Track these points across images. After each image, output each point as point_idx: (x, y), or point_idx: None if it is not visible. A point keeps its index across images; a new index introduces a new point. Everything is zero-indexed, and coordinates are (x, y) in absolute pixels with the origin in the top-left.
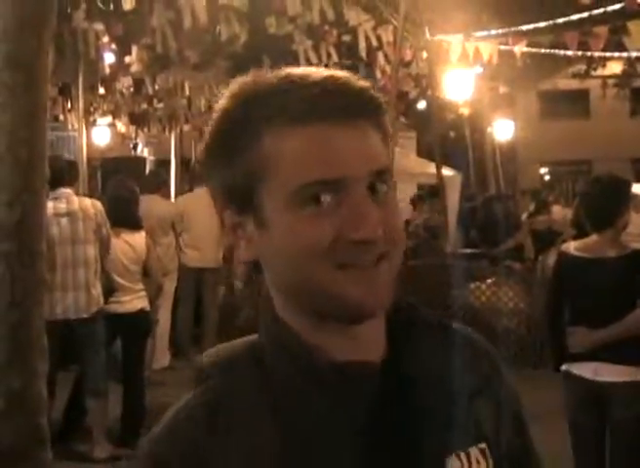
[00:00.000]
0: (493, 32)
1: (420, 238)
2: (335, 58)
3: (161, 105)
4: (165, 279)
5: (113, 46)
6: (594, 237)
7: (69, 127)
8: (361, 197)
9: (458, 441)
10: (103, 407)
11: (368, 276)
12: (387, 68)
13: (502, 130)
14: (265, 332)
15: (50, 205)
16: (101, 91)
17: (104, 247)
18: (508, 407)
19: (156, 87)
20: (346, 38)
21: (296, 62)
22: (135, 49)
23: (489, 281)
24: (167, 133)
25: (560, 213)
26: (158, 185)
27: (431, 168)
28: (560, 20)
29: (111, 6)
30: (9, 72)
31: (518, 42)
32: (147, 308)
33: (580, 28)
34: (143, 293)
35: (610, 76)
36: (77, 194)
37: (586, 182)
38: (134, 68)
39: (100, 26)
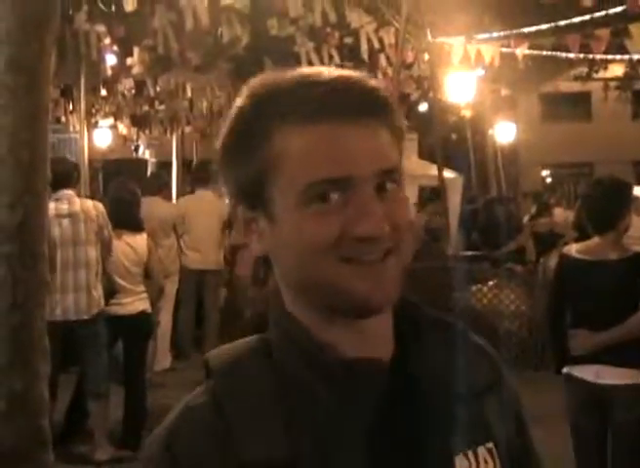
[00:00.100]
0: (494, 34)
1: (422, 240)
2: (336, 60)
3: (163, 107)
4: (166, 281)
5: (115, 48)
6: (596, 239)
7: (71, 129)
8: (368, 196)
9: (466, 440)
10: (105, 408)
11: (374, 271)
12: (389, 70)
13: (504, 132)
14: (275, 328)
15: (51, 206)
16: (103, 93)
17: (106, 249)
18: (511, 407)
19: (158, 89)
20: (348, 40)
21: (297, 64)
22: (136, 51)
23: (490, 283)
24: (168, 134)
25: (562, 215)
26: (159, 187)
27: (433, 170)
28: (562, 23)
29: (113, 8)
30: (11, 74)
31: (520, 44)
32: (149, 310)
33: (582, 31)
34: (145, 295)
35: (612, 79)
36: (79, 196)
37: (588, 185)
38: (135, 70)
39: (101, 28)
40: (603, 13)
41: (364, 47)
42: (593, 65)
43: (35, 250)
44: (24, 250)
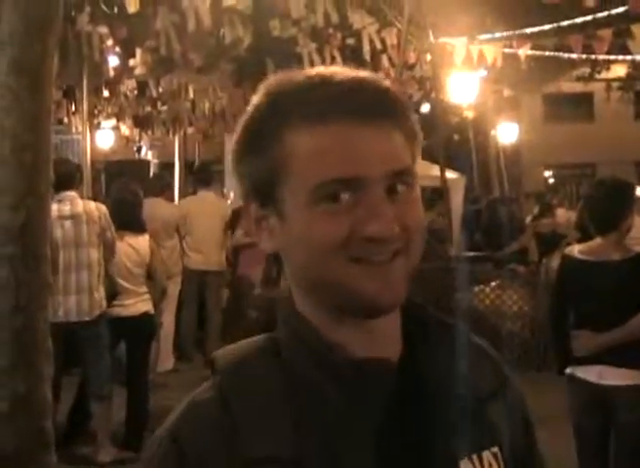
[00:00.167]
0: (497, 35)
1: (424, 241)
2: (339, 60)
3: (165, 108)
4: (169, 282)
5: (117, 49)
6: (598, 240)
7: (73, 130)
8: (378, 197)
9: (471, 444)
10: (107, 410)
11: (383, 271)
12: (391, 71)
13: (507, 133)
14: (284, 327)
15: (54, 207)
16: (106, 94)
17: (109, 250)
18: (516, 409)
19: (160, 90)
20: (350, 41)
21: (300, 65)
22: (139, 52)
23: (493, 284)
24: (171, 135)
25: (564, 216)
26: (162, 188)
27: (435, 170)
28: (564, 23)
29: (115, 9)
30: (14, 76)
31: (522, 45)
32: (151, 311)
33: (585, 31)
34: (147, 297)
35: (614, 79)
36: (81, 197)
37: (590, 185)
38: (138, 71)
39: (104, 29)
40: (605, 13)
41: (366, 48)
42: (596, 66)
43: (38, 251)
44: (27, 251)
